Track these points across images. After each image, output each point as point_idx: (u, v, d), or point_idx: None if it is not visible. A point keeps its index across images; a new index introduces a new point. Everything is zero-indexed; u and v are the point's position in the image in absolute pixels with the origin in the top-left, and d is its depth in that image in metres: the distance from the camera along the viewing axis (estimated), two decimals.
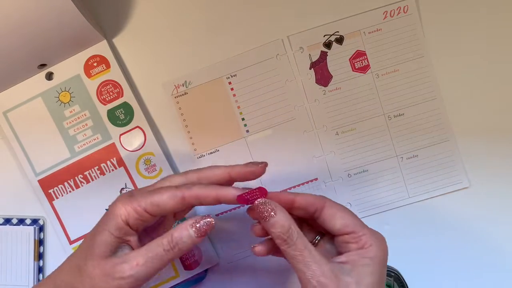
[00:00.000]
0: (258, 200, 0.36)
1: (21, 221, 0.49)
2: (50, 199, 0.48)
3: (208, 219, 0.36)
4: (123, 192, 0.48)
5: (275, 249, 0.39)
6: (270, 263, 0.49)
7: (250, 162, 0.39)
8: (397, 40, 0.47)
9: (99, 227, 0.37)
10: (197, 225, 0.36)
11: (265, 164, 0.39)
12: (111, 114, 0.48)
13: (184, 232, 0.36)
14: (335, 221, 0.37)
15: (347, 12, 0.47)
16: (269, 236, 0.37)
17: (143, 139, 0.48)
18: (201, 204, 0.37)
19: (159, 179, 0.40)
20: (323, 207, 0.38)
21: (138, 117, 0.48)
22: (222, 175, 0.39)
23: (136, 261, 0.35)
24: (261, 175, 0.39)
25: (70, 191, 0.48)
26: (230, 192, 0.36)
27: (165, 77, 0.48)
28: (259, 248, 0.39)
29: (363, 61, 0.47)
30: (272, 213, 0.36)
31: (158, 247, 0.35)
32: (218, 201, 0.37)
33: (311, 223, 0.40)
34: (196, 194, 0.36)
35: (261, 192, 0.36)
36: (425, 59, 0.47)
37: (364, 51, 0.47)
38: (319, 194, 0.39)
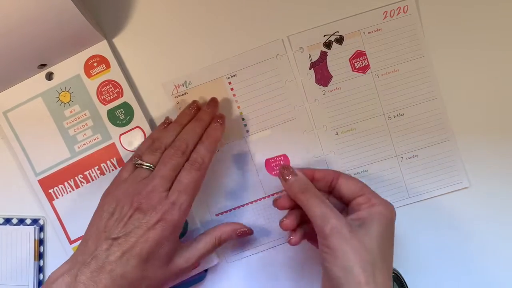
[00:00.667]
0: (282, 165, 0.45)
1: (21, 221, 0.49)
2: (50, 199, 0.48)
3: (249, 233, 0.47)
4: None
5: (301, 221, 0.43)
6: (270, 263, 0.49)
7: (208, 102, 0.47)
8: (397, 40, 0.47)
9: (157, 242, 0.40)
10: (240, 232, 0.46)
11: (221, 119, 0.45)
12: (111, 114, 0.48)
13: (230, 236, 0.46)
14: (349, 186, 0.42)
15: (347, 12, 0.47)
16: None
17: (143, 139, 0.48)
18: None
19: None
20: (339, 177, 0.43)
21: (138, 117, 0.48)
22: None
23: (194, 260, 0.43)
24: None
25: (70, 191, 0.48)
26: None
27: (165, 77, 0.48)
28: (287, 221, 0.43)
29: (363, 61, 0.47)
30: (292, 175, 0.42)
31: (209, 246, 0.44)
32: None
33: (334, 198, 0.44)
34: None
35: (285, 159, 0.46)
36: (425, 59, 0.47)
37: (364, 51, 0.47)
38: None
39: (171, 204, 0.40)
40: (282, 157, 0.46)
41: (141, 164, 0.42)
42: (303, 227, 0.44)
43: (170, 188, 0.41)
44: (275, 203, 0.44)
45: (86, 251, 0.39)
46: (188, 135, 0.43)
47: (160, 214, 0.39)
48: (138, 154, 0.44)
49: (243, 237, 0.48)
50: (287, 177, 0.42)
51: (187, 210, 0.41)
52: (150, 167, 0.42)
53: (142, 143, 0.46)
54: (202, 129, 0.44)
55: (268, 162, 0.47)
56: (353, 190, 0.42)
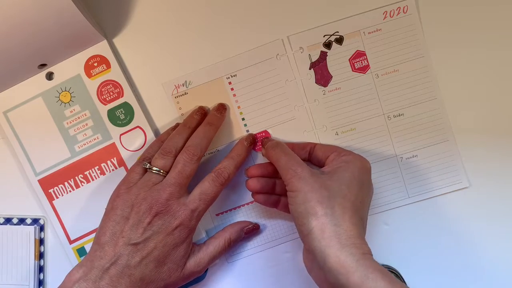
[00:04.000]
0: (264, 138, 0.48)
1: (21, 221, 0.49)
2: (50, 198, 0.48)
3: (256, 229, 0.48)
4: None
5: (266, 186, 0.45)
6: (270, 262, 0.49)
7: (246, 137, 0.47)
8: (397, 40, 0.47)
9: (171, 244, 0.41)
10: (247, 229, 0.48)
11: (252, 139, 0.47)
12: (112, 114, 0.48)
13: (239, 236, 0.47)
14: (323, 149, 0.45)
15: (347, 12, 0.47)
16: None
17: (144, 139, 0.48)
18: None
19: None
20: (316, 145, 0.46)
21: (138, 117, 0.48)
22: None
23: (205, 263, 0.44)
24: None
25: (70, 191, 0.48)
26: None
27: (165, 77, 0.48)
28: (250, 181, 0.45)
29: (363, 61, 0.47)
30: (270, 141, 0.45)
31: (219, 249, 0.45)
32: None
33: (313, 165, 0.46)
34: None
35: (266, 134, 0.48)
36: (425, 59, 0.47)
37: (364, 51, 0.47)
38: None
39: (191, 212, 0.42)
40: (263, 133, 0.48)
41: (151, 168, 0.43)
42: (273, 196, 0.46)
43: (183, 193, 0.42)
44: (246, 171, 0.46)
45: (103, 256, 0.40)
46: (201, 139, 0.44)
47: (180, 220, 0.41)
48: (147, 156, 0.45)
49: (251, 235, 0.48)
50: (265, 145, 0.45)
51: (201, 217, 0.43)
52: (160, 171, 0.42)
53: (151, 145, 0.46)
54: (213, 133, 0.45)
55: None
56: (326, 151, 0.44)
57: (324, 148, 0.45)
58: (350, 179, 0.40)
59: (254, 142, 0.47)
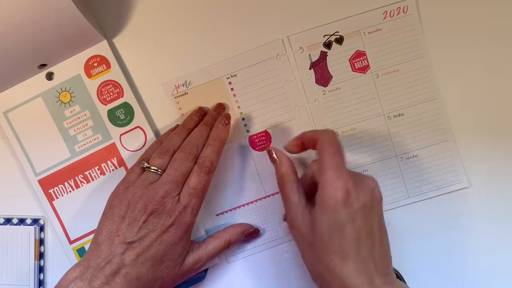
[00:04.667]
0: (267, 148, 0.44)
1: (21, 221, 0.49)
2: (50, 199, 0.48)
3: (256, 233, 0.48)
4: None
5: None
6: (270, 262, 0.49)
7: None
8: (397, 40, 0.47)
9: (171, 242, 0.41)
10: (248, 233, 0.48)
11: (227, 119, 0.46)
12: (112, 114, 0.48)
13: (239, 238, 0.47)
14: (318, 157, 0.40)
15: (347, 12, 0.47)
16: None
17: (144, 139, 0.48)
18: None
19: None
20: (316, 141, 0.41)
21: (139, 117, 0.48)
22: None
23: (203, 261, 0.44)
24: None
25: (70, 191, 0.48)
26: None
27: (165, 77, 0.48)
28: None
29: (363, 61, 0.47)
30: (276, 160, 0.42)
31: (218, 249, 0.45)
32: None
33: None
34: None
35: (266, 135, 0.48)
36: (425, 59, 0.47)
37: (364, 51, 0.47)
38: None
39: (184, 208, 0.41)
40: (263, 133, 0.48)
41: (148, 167, 0.43)
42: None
43: (179, 191, 0.42)
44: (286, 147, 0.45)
45: (99, 255, 0.40)
46: (197, 139, 0.44)
47: (174, 218, 0.41)
48: (145, 157, 0.45)
49: (251, 238, 0.49)
50: (272, 161, 0.43)
51: (198, 211, 0.43)
52: (158, 171, 0.42)
53: (150, 147, 0.46)
54: (210, 132, 0.45)
55: (251, 138, 0.48)
56: (319, 164, 0.40)
57: (319, 153, 0.40)
58: (333, 224, 0.37)
59: (229, 118, 0.46)
